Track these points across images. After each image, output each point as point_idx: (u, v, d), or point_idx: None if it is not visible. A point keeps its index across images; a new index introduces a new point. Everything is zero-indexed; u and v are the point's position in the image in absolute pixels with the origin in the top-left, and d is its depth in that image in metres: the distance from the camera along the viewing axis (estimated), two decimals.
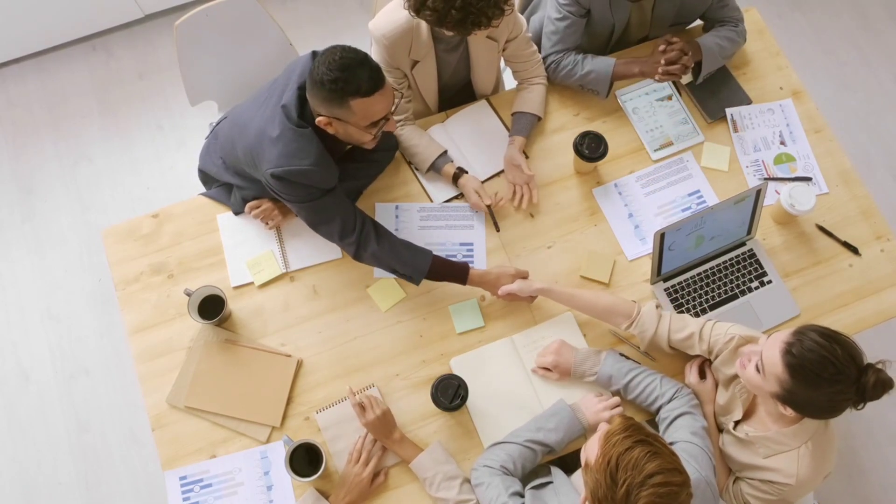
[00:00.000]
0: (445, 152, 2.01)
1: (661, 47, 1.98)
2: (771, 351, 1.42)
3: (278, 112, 1.64)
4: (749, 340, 1.61)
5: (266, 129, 1.65)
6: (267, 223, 1.95)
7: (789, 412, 1.45)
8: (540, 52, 2.09)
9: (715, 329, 1.67)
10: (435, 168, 2.00)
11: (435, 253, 1.85)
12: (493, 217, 1.98)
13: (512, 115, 2.06)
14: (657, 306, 1.74)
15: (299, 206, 1.74)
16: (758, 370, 1.45)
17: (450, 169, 1.99)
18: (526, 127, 2.03)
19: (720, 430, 1.71)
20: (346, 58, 1.52)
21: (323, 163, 1.67)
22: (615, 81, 2.07)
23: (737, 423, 1.65)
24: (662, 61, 1.96)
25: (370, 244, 1.78)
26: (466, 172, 1.99)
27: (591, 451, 1.30)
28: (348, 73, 1.51)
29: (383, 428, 1.71)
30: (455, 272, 1.83)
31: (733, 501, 1.68)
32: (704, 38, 2.04)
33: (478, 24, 1.66)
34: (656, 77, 1.98)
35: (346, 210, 1.77)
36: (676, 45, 1.96)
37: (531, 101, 2.04)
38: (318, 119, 1.62)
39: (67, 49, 3.14)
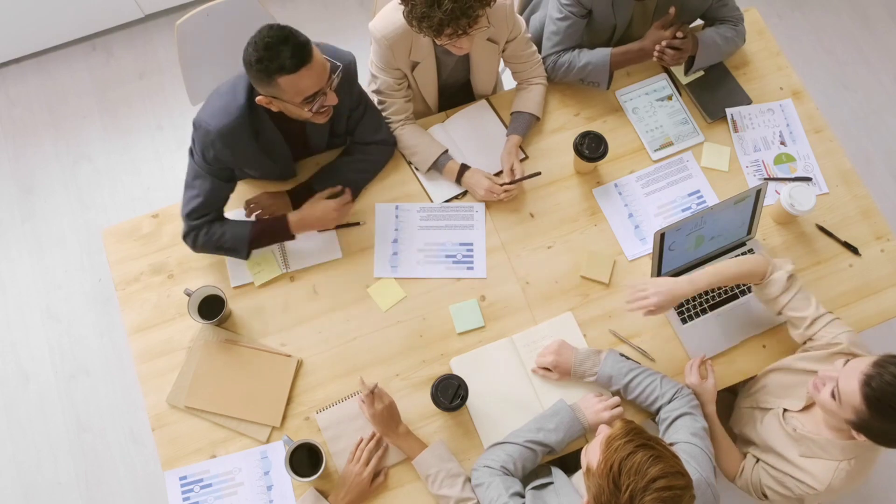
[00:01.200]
0: (447, 151, 2.01)
1: (668, 33, 1.98)
2: (849, 381, 1.41)
3: (236, 77, 1.70)
4: (853, 355, 1.58)
5: (220, 86, 1.71)
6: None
7: (861, 439, 1.44)
8: (540, 51, 2.09)
9: (828, 327, 1.64)
10: (437, 167, 2.00)
11: (432, 253, 1.85)
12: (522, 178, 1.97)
13: (511, 114, 2.06)
14: (789, 276, 1.68)
15: (189, 159, 1.79)
16: (833, 397, 1.44)
17: (454, 166, 1.99)
18: (523, 126, 2.03)
19: (763, 408, 1.71)
20: (270, 36, 1.54)
21: (230, 139, 1.69)
22: (615, 70, 2.07)
23: (786, 411, 1.65)
24: (664, 43, 1.97)
25: (199, 240, 1.83)
26: (469, 168, 1.99)
27: (592, 455, 1.30)
28: (271, 52, 1.54)
29: (389, 420, 1.70)
30: (277, 229, 1.86)
31: (749, 488, 1.68)
32: (704, 32, 2.05)
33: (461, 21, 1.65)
34: (655, 54, 1.99)
35: (212, 200, 1.80)
36: (681, 41, 1.98)
37: (530, 101, 2.04)
38: (259, 98, 1.65)
39: (67, 49, 3.14)
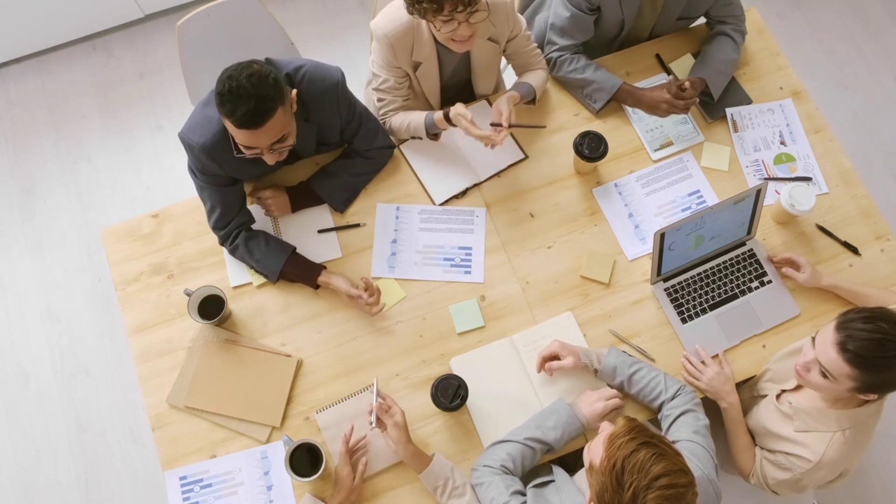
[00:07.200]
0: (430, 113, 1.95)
1: (671, 90, 1.99)
2: (827, 355, 1.43)
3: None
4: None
5: (205, 97, 1.70)
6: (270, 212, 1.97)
7: (873, 397, 1.47)
8: (543, 48, 2.09)
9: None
10: (429, 125, 1.94)
11: (431, 256, 1.83)
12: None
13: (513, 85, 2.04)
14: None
15: (190, 174, 1.80)
16: (825, 377, 1.46)
17: (440, 115, 1.91)
18: (523, 89, 1.99)
19: (762, 396, 1.72)
20: (242, 84, 1.48)
21: (213, 152, 1.70)
22: (614, 101, 2.08)
23: (783, 392, 1.66)
24: (667, 95, 1.98)
25: (238, 249, 1.87)
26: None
27: (594, 452, 1.30)
28: (230, 97, 1.49)
29: (400, 435, 1.68)
30: (307, 275, 1.88)
31: (760, 482, 1.70)
32: (706, 67, 2.04)
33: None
34: (663, 111, 2.02)
35: (226, 206, 1.83)
36: (685, 95, 1.99)
37: (533, 78, 2.03)
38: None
39: (67, 49, 3.14)
